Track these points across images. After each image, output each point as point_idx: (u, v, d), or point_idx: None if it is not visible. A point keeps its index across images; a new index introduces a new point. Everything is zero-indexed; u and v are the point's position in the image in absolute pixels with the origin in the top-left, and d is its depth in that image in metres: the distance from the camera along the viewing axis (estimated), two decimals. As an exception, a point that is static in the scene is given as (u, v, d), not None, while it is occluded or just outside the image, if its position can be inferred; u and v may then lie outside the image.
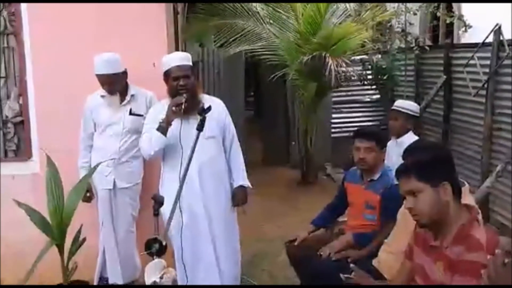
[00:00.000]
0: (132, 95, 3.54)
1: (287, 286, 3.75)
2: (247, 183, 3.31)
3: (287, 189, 6.76)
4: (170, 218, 2.48)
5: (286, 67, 6.44)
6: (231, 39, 6.51)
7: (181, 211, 2.92)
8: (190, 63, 3.16)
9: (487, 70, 5.28)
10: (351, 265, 2.51)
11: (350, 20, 6.52)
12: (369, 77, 7.62)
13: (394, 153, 3.61)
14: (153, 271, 2.28)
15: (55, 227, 3.22)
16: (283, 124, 7.99)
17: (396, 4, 7.29)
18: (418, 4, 7.28)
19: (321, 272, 2.81)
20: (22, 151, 3.93)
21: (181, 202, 2.73)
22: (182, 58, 3.14)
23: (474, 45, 5.67)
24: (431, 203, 1.98)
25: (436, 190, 1.98)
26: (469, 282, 1.84)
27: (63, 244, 3.26)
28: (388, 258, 2.63)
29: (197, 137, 2.63)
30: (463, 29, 7.01)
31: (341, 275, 2.47)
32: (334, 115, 7.94)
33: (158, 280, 2.23)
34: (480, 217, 2.06)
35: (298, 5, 6.36)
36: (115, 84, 3.46)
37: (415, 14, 7.39)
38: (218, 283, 3.18)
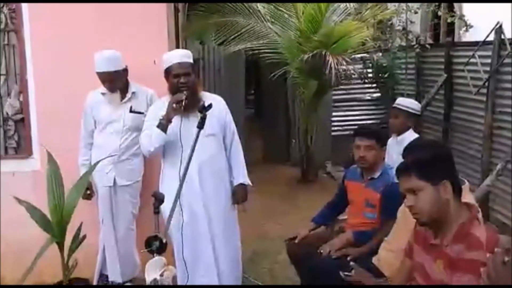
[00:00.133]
0: (133, 93, 3.54)
1: (288, 286, 3.74)
2: (247, 181, 3.31)
3: (287, 187, 6.77)
4: (170, 216, 2.48)
5: (287, 65, 6.44)
6: (231, 37, 6.51)
7: (181, 209, 2.92)
8: (191, 61, 3.16)
9: (488, 68, 5.28)
10: (351, 263, 2.51)
11: (351, 18, 6.52)
12: (370, 75, 7.61)
13: (395, 151, 3.61)
14: (153, 269, 2.28)
15: (55, 224, 3.23)
16: (283, 122, 7.99)
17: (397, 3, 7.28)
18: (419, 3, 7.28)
19: (321, 270, 2.81)
20: (22, 149, 3.93)
21: (181, 201, 2.73)
22: (182, 56, 3.14)
23: (475, 43, 5.66)
24: (431, 202, 1.98)
25: (437, 188, 1.98)
26: (469, 281, 1.84)
27: (63, 241, 3.26)
28: (388, 256, 2.63)
29: (197, 135, 2.63)
30: (464, 28, 7.00)
31: (341, 273, 2.47)
32: (334, 113, 7.94)
33: (158, 278, 2.23)
34: (480, 215, 2.06)
35: (299, 3, 6.35)
36: (116, 82, 3.46)
37: (416, 12, 7.38)
38: (216, 282, 3.18)
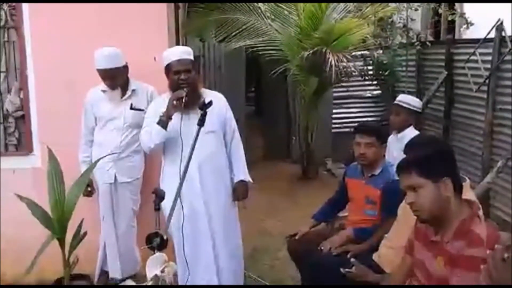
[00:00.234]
0: (133, 90, 3.54)
1: (289, 286, 3.74)
2: (248, 178, 3.30)
3: (287, 184, 6.77)
4: (170, 215, 2.48)
5: (287, 62, 6.44)
6: (232, 34, 6.50)
7: (182, 206, 2.92)
8: (191, 58, 3.15)
9: (488, 66, 5.28)
10: (352, 259, 2.52)
11: (351, 16, 6.51)
12: (370, 72, 7.61)
13: (395, 148, 3.61)
14: (154, 265, 2.28)
15: (56, 221, 3.23)
16: (283, 120, 7.99)
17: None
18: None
19: (321, 266, 2.82)
20: (23, 146, 3.93)
21: (181, 198, 2.73)
22: (183, 52, 3.13)
23: (476, 41, 5.66)
24: (432, 199, 1.98)
25: (437, 185, 1.98)
26: (469, 277, 1.84)
27: (64, 238, 3.27)
28: (389, 253, 2.63)
29: (198, 133, 2.63)
30: (465, 26, 6.99)
31: (342, 270, 2.48)
32: (334, 111, 7.95)
33: (159, 274, 2.24)
34: (481, 212, 2.06)
35: (299, 0, 6.35)
36: (116, 79, 3.46)
37: (416, 9, 7.37)
38: (215, 280, 3.17)
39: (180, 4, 5.05)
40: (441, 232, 2.02)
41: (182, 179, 2.56)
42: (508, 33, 5.07)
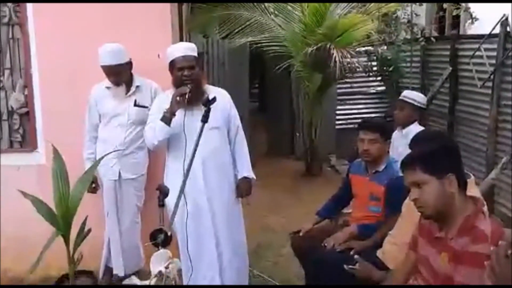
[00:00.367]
0: (137, 86, 3.54)
1: (294, 286, 3.74)
2: (251, 174, 3.29)
3: (291, 180, 6.77)
4: (174, 212, 2.49)
5: (291, 58, 6.42)
6: (235, 30, 6.48)
7: (186, 203, 2.92)
8: (195, 54, 3.15)
9: (493, 61, 5.25)
10: (356, 256, 2.52)
11: (355, 11, 6.48)
12: (374, 68, 7.58)
13: (400, 144, 3.61)
14: (158, 261, 2.29)
15: (61, 218, 3.24)
16: (287, 116, 7.99)
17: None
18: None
19: (325, 263, 2.82)
20: (27, 143, 3.94)
21: (185, 194, 2.73)
22: (187, 49, 3.13)
23: (481, 36, 5.63)
24: (436, 195, 1.98)
25: (441, 181, 1.98)
26: (473, 274, 1.84)
27: (68, 234, 3.28)
28: (393, 249, 2.63)
29: (202, 129, 2.63)
30: (470, 21, 6.95)
31: (345, 266, 2.48)
32: (338, 107, 7.93)
33: (163, 270, 2.24)
34: (485, 209, 2.06)
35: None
36: (121, 75, 3.46)
37: (421, 5, 7.33)
38: (218, 277, 3.17)
39: (184, 1, 5.04)
40: (446, 229, 2.02)
41: (186, 175, 2.56)
42: (514, 28, 5.05)
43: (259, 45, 6.50)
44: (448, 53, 6.32)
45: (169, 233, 2.37)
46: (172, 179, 3.09)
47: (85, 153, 3.61)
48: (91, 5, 3.69)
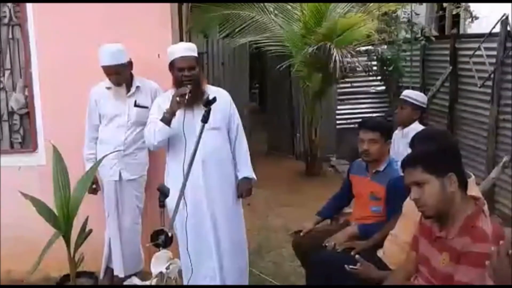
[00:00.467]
0: (137, 87, 3.54)
1: (294, 286, 3.74)
2: (252, 174, 3.29)
3: (292, 180, 6.77)
4: (175, 212, 2.48)
5: (291, 58, 6.42)
6: (235, 30, 6.49)
7: (186, 203, 2.92)
8: (195, 54, 3.14)
9: (493, 60, 5.25)
10: (356, 256, 2.51)
11: (356, 11, 6.48)
12: (375, 68, 7.57)
13: (400, 143, 3.61)
14: (159, 262, 2.29)
15: (62, 218, 3.24)
16: (287, 116, 7.99)
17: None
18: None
19: (326, 263, 2.81)
20: (28, 143, 3.94)
21: (185, 195, 2.72)
22: (187, 49, 3.12)
23: (481, 35, 5.63)
24: (437, 195, 1.98)
25: (442, 181, 1.98)
26: (474, 273, 1.84)
27: (69, 235, 3.28)
28: (393, 249, 2.63)
29: (202, 129, 2.63)
30: (470, 20, 6.95)
31: (346, 266, 2.48)
32: (339, 106, 7.92)
33: (164, 271, 2.24)
34: (486, 208, 2.06)
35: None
36: (121, 75, 3.45)
37: (421, 4, 7.32)
38: (218, 277, 3.16)
39: (184, 0, 5.04)
40: (446, 228, 2.02)
41: (186, 176, 2.56)
42: (514, 27, 5.05)
43: (259, 45, 6.50)
44: (448, 52, 6.32)
45: (170, 234, 2.37)
46: (172, 179, 3.09)
47: (85, 153, 3.61)
48: (91, 5, 3.69)
